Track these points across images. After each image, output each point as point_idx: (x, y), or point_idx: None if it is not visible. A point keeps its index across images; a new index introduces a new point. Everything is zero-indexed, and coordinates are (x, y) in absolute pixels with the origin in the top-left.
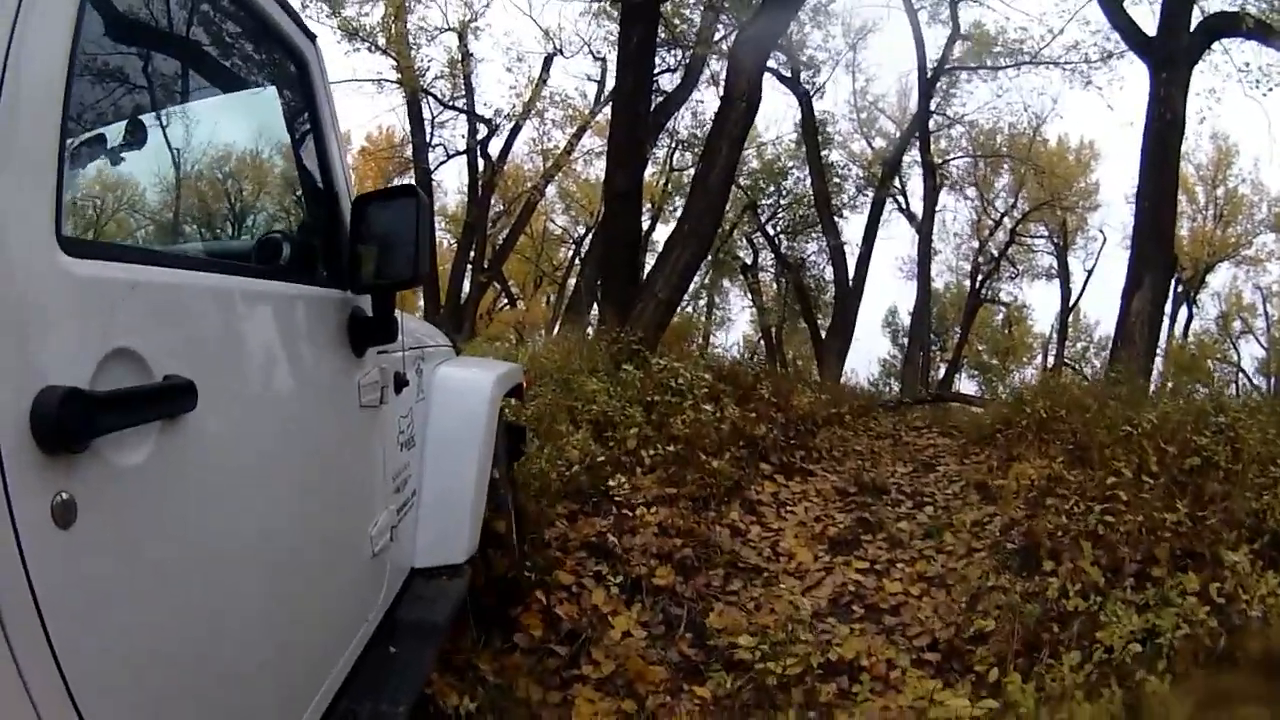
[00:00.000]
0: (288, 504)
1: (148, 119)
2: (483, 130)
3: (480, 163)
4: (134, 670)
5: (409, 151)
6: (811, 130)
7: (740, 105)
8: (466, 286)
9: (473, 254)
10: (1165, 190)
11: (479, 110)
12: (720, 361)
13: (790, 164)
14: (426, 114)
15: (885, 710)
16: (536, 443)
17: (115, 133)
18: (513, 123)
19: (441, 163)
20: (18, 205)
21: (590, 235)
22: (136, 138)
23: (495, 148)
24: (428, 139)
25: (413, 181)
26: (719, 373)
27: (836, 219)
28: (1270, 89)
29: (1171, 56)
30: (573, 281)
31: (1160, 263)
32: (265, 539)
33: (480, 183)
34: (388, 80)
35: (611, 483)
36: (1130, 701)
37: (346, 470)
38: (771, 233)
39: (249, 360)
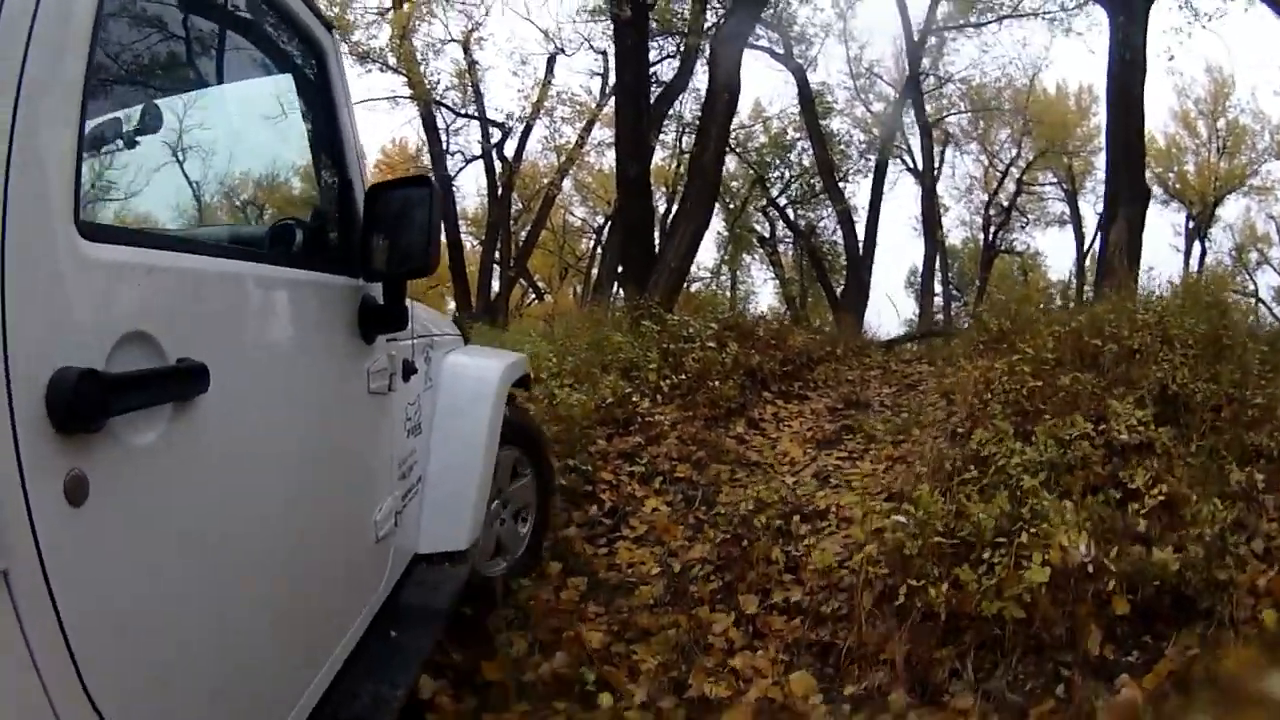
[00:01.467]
0: (294, 487)
1: (165, 105)
2: (496, 134)
3: (498, 165)
4: (138, 643)
5: (426, 160)
6: (809, 102)
7: (724, 95)
8: (495, 284)
9: (498, 252)
10: (1131, 127)
11: (490, 115)
12: (725, 316)
13: (796, 136)
14: (440, 123)
15: (846, 537)
16: (573, 387)
17: (132, 118)
18: (524, 124)
19: (460, 169)
20: (38, 190)
21: (608, 223)
22: (153, 123)
23: (510, 149)
24: (444, 147)
25: (425, 174)
26: (724, 324)
27: (842, 185)
28: (1210, 18)
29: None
30: (597, 270)
31: (1133, 196)
32: (271, 520)
33: (500, 184)
34: (402, 97)
35: (637, 402)
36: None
37: (353, 455)
38: (783, 204)
39: (260, 345)
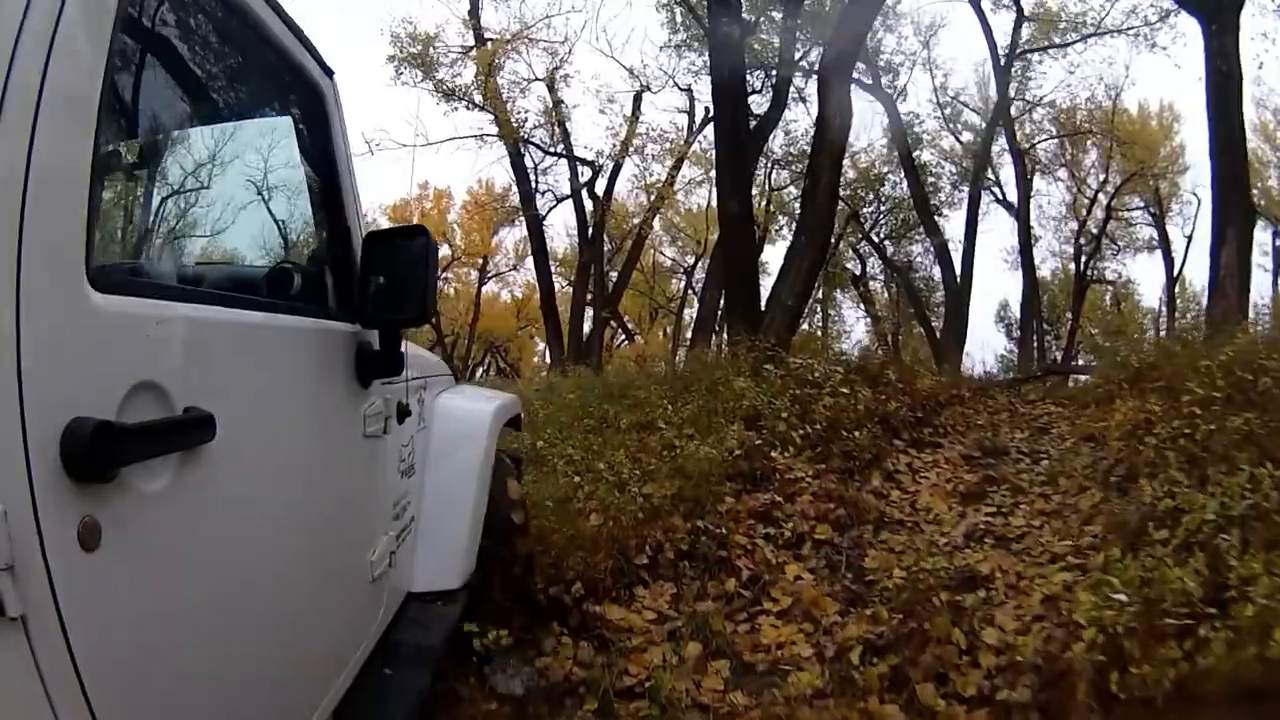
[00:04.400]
0: (294, 530)
1: (168, 153)
2: (585, 173)
3: (588, 204)
4: (146, 682)
5: (516, 199)
6: (900, 133)
7: (835, 122)
8: (586, 326)
9: (590, 293)
10: (1234, 140)
11: (579, 153)
12: (847, 357)
13: (885, 169)
14: (529, 163)
15: (1018, 608)
16: (693, 438)
17: (137, 167)
18: (613, 162)
19: (550, 208)
20: (51, 242)
21: (699, 262)
22: (158, 173)
23: (599, 188)
24: (533, 186)
25: (421, 224)
26: (847, 366)
27: (937, 218)
28: None
29: (1219, 4)
30: (691, 311)
31: (1240, 213)
32: (272, 563)
33: (592, 222)
34: (489, 135)
35: (773, 456)
36: (1211, 564)
37: (349, 498)
38: (876, 240)
39: (262, 392)
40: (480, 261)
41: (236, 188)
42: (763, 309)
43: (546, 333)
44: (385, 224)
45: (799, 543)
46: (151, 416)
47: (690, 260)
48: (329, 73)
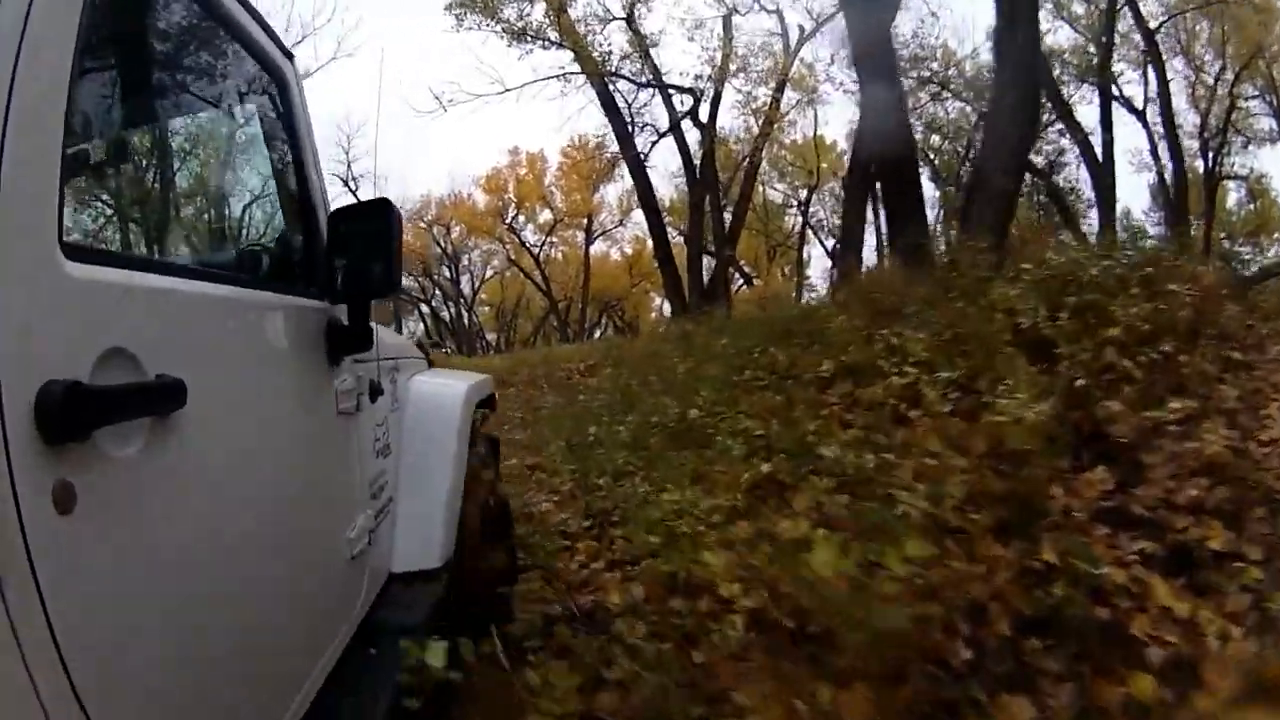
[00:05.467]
0: (269, 501)
1: (138, 134)
2: (684, 103)
3: (691, 138)
4: (122, 646)
5: (613, 144)
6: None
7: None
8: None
9: (710, 232)
10: None
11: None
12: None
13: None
14: (620, 102)
15: None
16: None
17: (106, 145)
18: (713, 87)
19: (653, 143)
20: (25, 213)
21: (814, 194)
22: (126, 150)
23: (702, 116)
24: (629, 125)
25: (385, 197)
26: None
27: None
28: None
29: None
30: (810, 248)
31: None
32: (249, 533)
33: (701, 152)
34: (572, 73)
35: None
36: None
37: (325, 473)
38: None
39: (233, 364)
40: (585, 221)
41: (205, 168)
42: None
43: (664, 282)
44: (481, 201)
45: (1186, 560)
46: (123, 382)
47: (804, 194)
48: (288, 55)
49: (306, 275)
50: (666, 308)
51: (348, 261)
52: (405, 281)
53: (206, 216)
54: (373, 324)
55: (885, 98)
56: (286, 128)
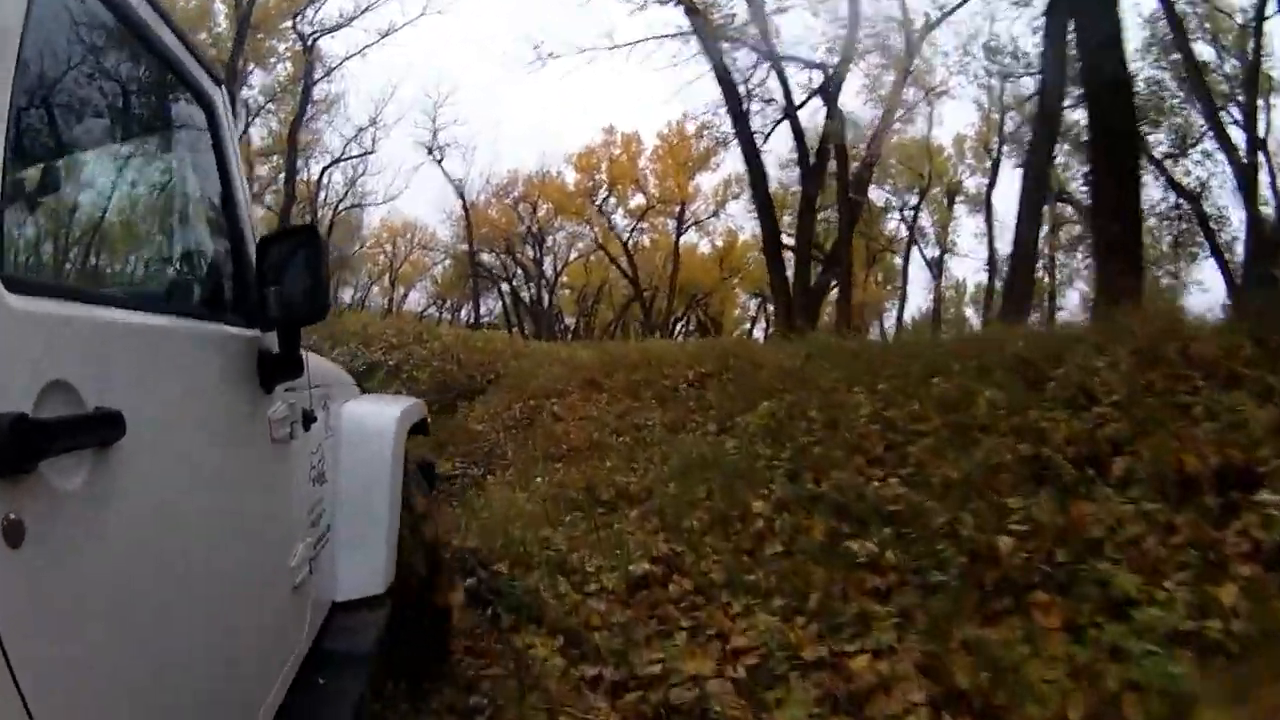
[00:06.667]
0: (209, 531)
1: (71, 163)
2: (810, 79)
3: (812, 124)
4: (81, 685)
5: (726, 124)
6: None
7: None
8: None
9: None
10: None
11: (795, 64)
12: None
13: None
14: (738, 78)
15: None
16: None
17: (40, 176)
18: (839, 65)
19: (776, 123)
20: None
21: (922, 200)
22: (59, 180)
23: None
24: (744, 105)
25: (312, 224)
26: None
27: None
28: None
29: None
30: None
31: None
32: (191, 563)
33: (823, 133)
34: (685, 33)
35: None
36: None
37: (262, 502)
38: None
39: (168, 394)
40: (677, 209)
41: (137, 196)
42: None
43: (771, 282)
44: (571, 180)
45: None
46: (64, 413)
47: (911, 198)
48: (218, 82)
49: (237, 303)
50: (751, 306)
51: (277, 288)
52: (486, 258)
53: (140, 245)
54: (303, 351)
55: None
56: (217, 155)
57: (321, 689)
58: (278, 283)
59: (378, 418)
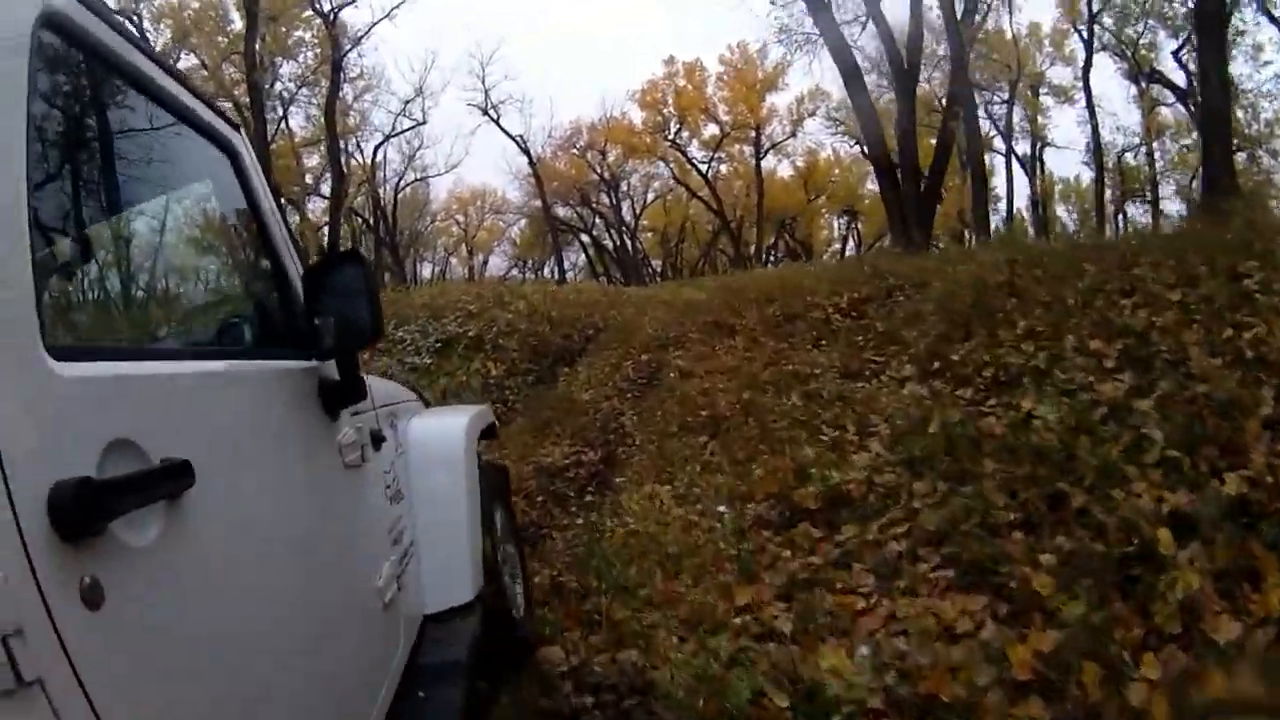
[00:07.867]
0: (293, 565)
1: (104, 226)
2: None
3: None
4: None
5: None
6: None
7: None
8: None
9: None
10: None
11: None
12: None
13: None
14: None
15: None
16: None
17: (75, 243)
18: None
19: (864, 24)
20: (7, 321)
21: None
22: (96, 245)
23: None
24: None
25: (355, 248)
26: None
27: None
28: None
29: None
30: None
31: None
32: (279, 599)
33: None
34: None
35: None
36: None
37: (343, 528)
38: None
39: (234, 435)
40: (752, 134)
41: (175, 249)
42: None
43: (884, 198)
44: (638, 119)
45: None
46: (129, 470)
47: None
48: (235, 127)
49: (290, 337)
50: (837, 226)
51: (328, 317)
52: (561, 212)
53: (184, 296)
54: (363, 374)
55: None
56: (246, 195)
57: (422, 703)
58: (328, 310)
59: (447, 430)
